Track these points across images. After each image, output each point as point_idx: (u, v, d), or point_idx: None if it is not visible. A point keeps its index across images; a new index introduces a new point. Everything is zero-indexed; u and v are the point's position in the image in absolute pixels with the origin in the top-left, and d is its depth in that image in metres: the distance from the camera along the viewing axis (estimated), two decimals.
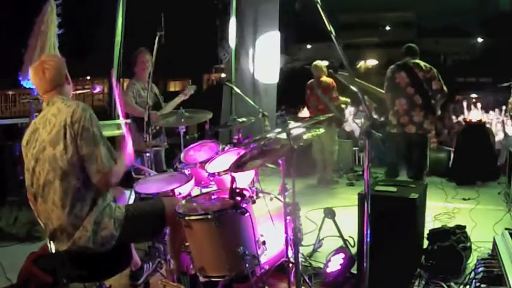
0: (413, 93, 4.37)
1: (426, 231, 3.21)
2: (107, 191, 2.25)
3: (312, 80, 5.99)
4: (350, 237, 3.38)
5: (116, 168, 2.16)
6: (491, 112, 8.32)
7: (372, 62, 32.32)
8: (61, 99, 2.22)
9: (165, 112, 4.10)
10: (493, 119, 7.66)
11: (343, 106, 6.02)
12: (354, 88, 2.05)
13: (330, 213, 3.46)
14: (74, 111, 2.12)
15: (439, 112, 4.55)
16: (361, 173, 6.36)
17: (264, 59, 7.31)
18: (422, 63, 4.44)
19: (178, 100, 4.40)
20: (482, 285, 2.46)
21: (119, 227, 2.23)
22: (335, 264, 3.00)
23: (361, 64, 31.53)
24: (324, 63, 6.01)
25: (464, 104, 9.00)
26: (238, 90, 4.77)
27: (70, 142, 2.09)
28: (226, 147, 3.48)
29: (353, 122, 7.99)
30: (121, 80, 5.93)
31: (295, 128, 2.36)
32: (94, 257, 2.17)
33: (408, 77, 4.37)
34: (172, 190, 2.87)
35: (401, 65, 4.50)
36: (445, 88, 4.39)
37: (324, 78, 5.82)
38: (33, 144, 2.20)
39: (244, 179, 3.23)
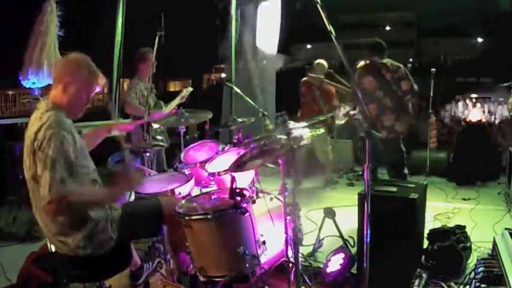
0: (382, 96, 4.25)
1: (426, 231, 3.21)
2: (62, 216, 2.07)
3: (307, 78, 5.95)
4: (350, 237, 3.38)
5: (71, 197, 1.94)
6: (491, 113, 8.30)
7: None
8: (44, 107, 2.10)
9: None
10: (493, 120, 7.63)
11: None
12: (353, 88, 2.05)
13: (330, 213, 3.46)
14: (40, 127, 2.00)
15: (411, 110, 4.38)
16: (361, 173, 6.35)
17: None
18: (389, 63, 4.29)
19: (175, 103, 4.39)
20: (482, 285, 2.46)
21: (116, 228, 2.23)
22: (335, 264, 3.00)
23: (361, 64, 31.52)
24: (325, 63, 5.94)
25: (463, 103, 8.98)
26: (238, 90, 4.77)
27: (32, 159, 2.01)
28: (226, 147, 3.49)
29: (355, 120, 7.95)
30: (121, 80, 5.93)
31: (296, 129, 2.36)
32: (94, 258, 2.16)
33: (376, 81, 4.24)
34: (172, 190, 2.87)
35: (368, 68, 4.35)
36: (415, 87, 4.26)
37: (327, 86, 5.76)
38: (25, 143, 2.14)
39: (244, 179, 3.23)
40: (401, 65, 4.29)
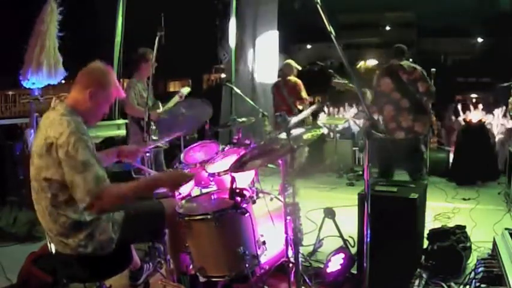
0: (399, 97, 4.29)
1: (426, 231, 3.21)
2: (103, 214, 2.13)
3: (279, 79, 6.01)
4: (350, 237, 3.38)
5: (109, 191, 1.99)
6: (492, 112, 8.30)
7: (372, 62, 32.31)
8: (62, 110, 2.11)
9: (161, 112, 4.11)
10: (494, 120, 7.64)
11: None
12: (353, 90, 2.05)
13: (330, 213, 3.45)
14: (62, 133, 2.00)
15: (430, 110, 4.45)
16: (361, 173, 6.35)
17: (263, 59, 7.33)
18: (406, 65, 4.34)
19: (172, 103, 4.37)
20: (482, 285, 2.46)
21: (118, 230, 2.22)
22: (335, 264, 3.00)
23: (361, 64, 31.53)
24: (294, 64, 6.06)
25: (462, 104, 8.99)
26: (238, 91, 4.77)
27: (52, 163, 2.02)
28: (226, 147, 3.48)
29: (354, 123, 8.00)
30: (121, 80, 5.94)
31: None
32: (94, 258, 2.16)
33: (392, 82, 4.30)
34: None
35: (385, 70, 4.42)
36: (432, 89, 4.30)
37: (291, 78, 5.80)
38: (35, 142, 2.16)
39: (244, 179, 3.23)
40: (418, 67, 4.32)
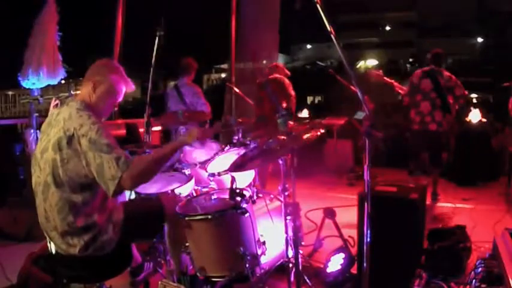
0: (435, 97, 4.98)
1: (426, 231, 3.21)
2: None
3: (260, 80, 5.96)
4: (350, 237, 3.38)
5: (137, 159, 2.06)
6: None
7: (372, 62, 32.33)
8: (77, 105, 2.13)
9: None
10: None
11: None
12: (354, 88, 2.05)
13: (330, 213, 3.46)
14: (83, 124, 2.04)
15: (453, 113, 5.08)
16: (361, 173, 6.35)
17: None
18: (444, 73, 5.04)
19: None
20: (482, 285, 2.46)
21: (119, 231, 2.23)
22: (335, 264, 3.00)
23: (361, 64, 31.54)
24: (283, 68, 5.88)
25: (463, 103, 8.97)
26: (238, 91, 4.77)
27: (73, 154, 2.03)
28: (226, 147, 3.48)
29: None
30: None
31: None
32: (94, 258, 2.16)
33: (432, 84, 5.01)
34: (172, 190, 2.87)
35: (427, 73, 5.11)
36: (465, 93, 5.13)
37: (278, 75, 5.68)
38: (44, 137, 2.16)
39: (244, 179, 3.23)
40: (452, 76, 5.07)
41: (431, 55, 5.21)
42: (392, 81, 5.45)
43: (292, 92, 5.87)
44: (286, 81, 5.74)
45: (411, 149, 5.44)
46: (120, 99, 2.31)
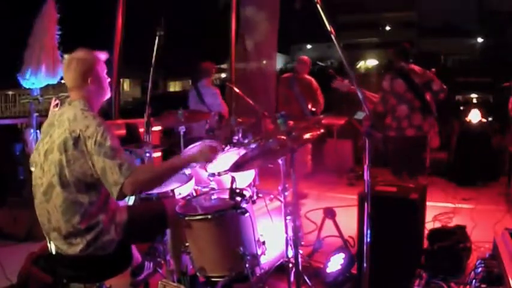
0: (412, 98, 4.51)
1: (426, 231, 3.21)
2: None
3: (288, 75, 5.84)
4: (350, 237, 3.38)
5: (141, 167, 2.11)
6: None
7: (372, 62, 32.33)
8: (81, 106, 2.13)
9: None
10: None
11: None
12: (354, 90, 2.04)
13: (330, 213, 3.46)
14: (89, 126, 2.04)
15: (435, 112, 4.65)
16: (361, 173, 6.35)
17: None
18: (416, 68, 4.57)
19: None
20: (482, 286, 2.46)
21: (121, 232, 2.22)
22: (335, 264, 3.00)
23: (361, 64, 31.53)
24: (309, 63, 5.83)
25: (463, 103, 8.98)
26: (238, 90, 4.77)
27: (79, 155, 2.04)
28: (226, 147, 3.48)
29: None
30: (121, 80, 5.93)
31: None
32: (95, 258, 2.16)
33: (405, 83, 4.52)
34: (172, 190, 2.87)
35: (397, 72, 4.61)
36: (444, 86, 4.54)
37: (306, 76, 5.60)
38: (46, 138, 2.15)
39: (244, 179, 3.23)
40: (426, 70, 4.60)
41: (396, 51, 4.68)
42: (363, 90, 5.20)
43: (321, 99, 5.77)
44: (314, 84, 5.68)
45: (390, 158, 4.91)
46: (105, 70, 2.31)
